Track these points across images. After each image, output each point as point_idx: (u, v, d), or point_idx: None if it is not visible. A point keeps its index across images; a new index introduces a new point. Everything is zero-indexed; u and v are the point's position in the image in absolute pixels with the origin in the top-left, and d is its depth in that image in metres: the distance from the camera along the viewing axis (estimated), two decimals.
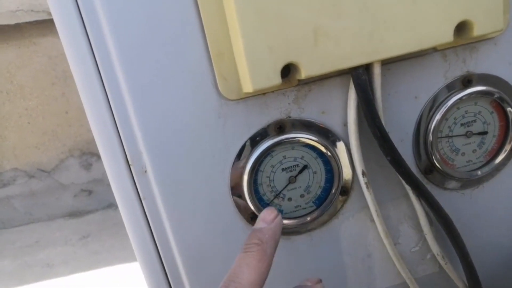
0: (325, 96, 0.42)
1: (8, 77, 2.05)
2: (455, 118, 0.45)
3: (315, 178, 0.44)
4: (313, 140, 0.42)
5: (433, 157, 0.45)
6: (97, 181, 2.28)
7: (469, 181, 0.48)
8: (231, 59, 0.38)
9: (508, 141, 0.47)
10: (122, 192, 0.41)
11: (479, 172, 0.47)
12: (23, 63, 2.04)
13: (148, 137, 0.39)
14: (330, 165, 0.43)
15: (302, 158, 0.43)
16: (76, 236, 2.10)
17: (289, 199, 0.44)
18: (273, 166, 0.42)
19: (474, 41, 0.43)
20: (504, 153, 0.47)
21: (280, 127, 0.41)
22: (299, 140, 0.41)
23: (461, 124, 0.45)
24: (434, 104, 0.44)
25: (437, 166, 0.45)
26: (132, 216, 0.41)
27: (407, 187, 0.44)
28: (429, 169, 0.46)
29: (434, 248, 0.47)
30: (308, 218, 0.44)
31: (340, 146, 0.43)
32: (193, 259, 0.43)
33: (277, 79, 0.36)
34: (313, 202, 0.44)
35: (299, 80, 0.39)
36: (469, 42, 0.43)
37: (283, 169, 0.43)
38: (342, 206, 0.45)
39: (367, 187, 0.43)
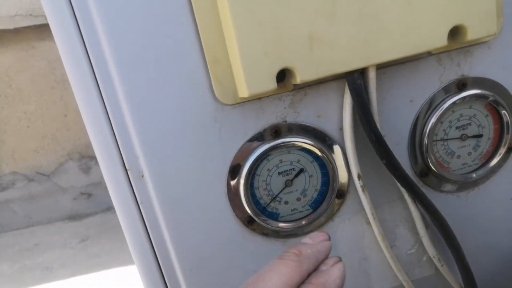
0: (320, 100, 0.42)
1: (7, 81, 2.05)
2: (450, 121, 0.45)
3: (311, 181, 0.44)
4: (309, 144, 0.42)
5: (429, 160, 0.45)
6: (96, 184, 2.28)
7: (465, 184, 0.48)
8: (227, 64, 0.38)
9: (502, 143, 0.47)
10: (119, 197, 0.41)
11: (474, 175, 0.47)
12: (22, 67, 2.04)
13: (145, 142, 0.39)
14: (326, 169, 0.44)
15: (298, 161, 0.43)
16: (75, 239, 2.10)
17: (286, 202, 0.44)
18: (269, 170, 0.42)
19: (468, 45, 0.43)
20: (499, 155, 0.47)
21: (276, 131, 0.41)
22: (295, 144, 0.42)
23: (456, 127, 0.46)
24: (429, 108, 0.44)
25: (433, 169, 0.45)
26: (130, 221, 0.42)
27: (403, 190, 0.45)
28: (424, 172, 0.46)
29: (430, 250, 0.47)
30: (305, 221, 0.44)
31: (336, 150, 0.43)
32: (190, 262, 0.43)
33: (272, 84, 0.36)
34: (309, 205, 0.44)
35: (294, 85, 0.40)
36: (463, 46, 0.43)
37: (279, 173, 0.43)
38: (338, 209, 0.45)
39: (363, 190, 0.44)
